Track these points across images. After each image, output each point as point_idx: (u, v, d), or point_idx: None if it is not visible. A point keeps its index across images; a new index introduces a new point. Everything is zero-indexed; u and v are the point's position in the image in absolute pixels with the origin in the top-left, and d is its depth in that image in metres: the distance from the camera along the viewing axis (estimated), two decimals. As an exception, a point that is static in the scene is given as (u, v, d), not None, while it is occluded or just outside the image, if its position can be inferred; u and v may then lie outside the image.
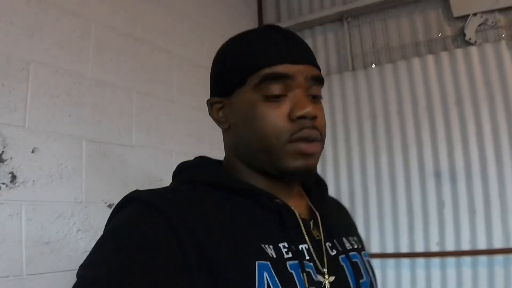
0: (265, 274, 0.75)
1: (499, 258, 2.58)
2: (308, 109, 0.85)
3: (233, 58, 0.93)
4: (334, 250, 0.91)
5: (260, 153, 0.88)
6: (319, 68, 0.95)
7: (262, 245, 0.79)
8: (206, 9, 2.84)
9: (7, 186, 1.61)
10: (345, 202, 2.93)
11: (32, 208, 1.67)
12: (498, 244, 2.58)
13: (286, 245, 0.83)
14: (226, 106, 0.94)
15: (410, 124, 2.91)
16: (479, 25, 2.90)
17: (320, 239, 0.90)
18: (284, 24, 3.41)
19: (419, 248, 2.75)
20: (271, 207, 0.87)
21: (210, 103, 0.98)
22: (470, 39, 2.88)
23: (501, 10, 2.88)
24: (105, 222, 1.55)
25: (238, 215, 0.84)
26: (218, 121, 0.97)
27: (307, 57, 0.92)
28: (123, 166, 2.02)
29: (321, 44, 3.37)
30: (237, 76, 0.90)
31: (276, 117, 0.86)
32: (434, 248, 2.71)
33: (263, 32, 0.94)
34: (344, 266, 0.90)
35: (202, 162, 0.99)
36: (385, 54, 3.14)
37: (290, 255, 0.81)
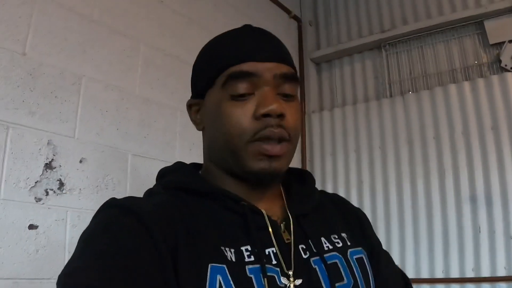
0: (219, 277, 0.73)
1: None
2: (273, 107, 0.81)
3: (204, 60, 0.93)
4: (307, 252, 0.85)
5: (226, 154, 0.86)
6: (293, 66, 0.91)
7: (222, 248, 0.77)
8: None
9: (54, 192, 1.64)
10: (381, 226, 2.90)
11: (77, 215, 1.70)
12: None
13: (249, 249, 0.79)
14: (202, 108, 0.93)
15: (446, 149, 2.86)
16: None
17: (290, 242, 0.84)
18: (323, 52, 3.47)
19: (454, 274, 2.66)
20: (237, 209, 0.84)
21: (188, 105, 0.98)
22: (506, 65, 2.83)
23: None
24: None
25: (203, 218, 0.82)
26: (195, 122, 0.97)
27: (276, 54, 0.88)
28: (165, 181, 2.04)
29: (359, 71, 3.36)
30: (207, 77, 0.89)
31: (240, 115, 0.83)
32: (469, 273, 2.63)
33: (234, 32, 0.93)
34: (317, 269, 0.84)
35: (177, 167, 0.98)
36: (422, 81, 3.11)
37: (252, 258, 0.78)
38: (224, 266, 0.74)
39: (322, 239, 0.90)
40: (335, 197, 1.10)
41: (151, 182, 1.91)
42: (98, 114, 1.83)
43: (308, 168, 3.20)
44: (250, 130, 0.82)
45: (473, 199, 2.70)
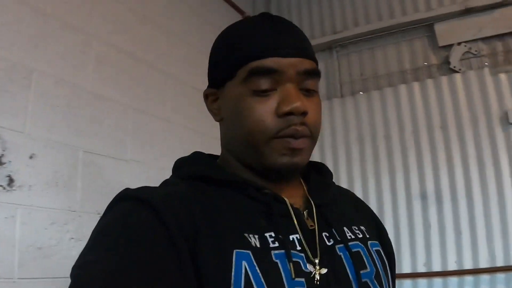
0: (244, 263, 0.73)
1: (485, 277, 2.62)
2: (296, 104, 0.81)
3: (223, 50, 0.91)
4: (331, 239, 0.86)
5: (246, 148, 0.86)
6: (315, 60, 0.90)
7: (245, 234, 0.77)
8: (202, 35, 2.92)
9: (4, 188, 1.63)
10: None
11: (28, 212, 1.69)
12: (483, 264, 2.63)
13: (273, 235, 0.80)
14: (220, 98, 0.92)
15: (396, 148, 3.00)
16: (463, 53, 3.02)
17: (314, 229, 0.85)
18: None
19: (406, 269, 2.78)
20: (260, 198, 0.85)
21: (205, 94, 0.96)
22: (454, 67, 3.00)
23: (484, 39, 3.03)
24: None
25: (224, 206, 0.82)
26: (212, 113, 0.96)
27: (299, 49, 0.86)
28: (117, 179, 2.06)
29: (311, 72, 3.44)
30: (226, 69, 0.88)
31: (262, 112, 0.83)
32: (421, 268, 2.75)
33: (254, 22, 0.90)
34: (342, 256, 0.85)
35: (195, 157, 0.98)
36: (373, 82, 3.25)
37: (276, 244, 0.78)
38: (249, 252, 0.75)
39: (344, 228, 0.91)
40: (350, 192, 1.13)
41: (102, 179, 1.94)
42: (49, 110, 1.83)
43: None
44: (274, 127, 0.82)
45: (423, 196, 2.83)
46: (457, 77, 2.95)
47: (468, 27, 3.05)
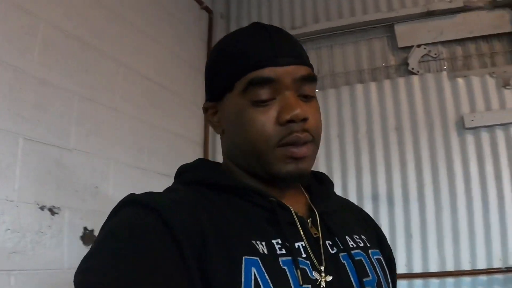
0: (253, 270, 0.76)
1: (435, 281, 2.69)
2: (297, 112, 0.85)
3: (220, 64, 0.95)
4: (334, 248, 0.90)
5: (251, 158, 0.90)
6: (310, 65, 0.94)
7: (253, 241, 0.80)
8: (156, 23, 2.90)
9: None
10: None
11: (-39, 201, 1.64)
12: (433, 267, 2.70)
13: (280, 242, 0.83)
14: (220, 111, 0.96)
15: (350, 148, 3.03)
16: (422, 56, 3.08)
17: (318, 237, 0.89)
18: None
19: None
20: (265, 205, 0.88)
21: (204, 108, 1.00)
22: (413, 68, 3.05)
23: (443, 42, 3.10)
24: (35, 223, 1.57)
25: (230, 213, 0.85)
26: (213, 125, 1.00)
27: (295, 56, 0.91)
28: (59, 169, 2.01)
29: (266, 67, 3.45)
30: (224, 81, 0.92)
31: (264, 122, 0.86)
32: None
33: (248, 33, 0.94)
34: (346, 264, 0.88)
35: (199, 164, 1.01)
36: (330, 80, 3.27)
37: (283, 251, 0.81)
38: (257, 258, 0.78)
39: (346, 237, 0.94)
40: (350, 202, 1.17)
41: (43, 168, 1.91)
42: (-13, 92, 1.78)
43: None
44: (276, 136, 0.86)
45: (375, 197, 2.88)
46: (415, 79, 3.01)
47: (428, 30, 3.11)
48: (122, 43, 2.56)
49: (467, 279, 2.66)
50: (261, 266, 0.77)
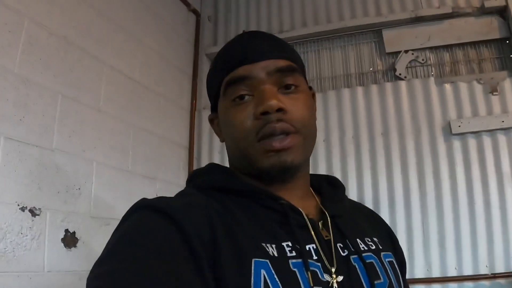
0: (263, 272, 0.76)
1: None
2: (269, 103, 0.86)
3: (209, 74, 1.03)
4: (345, 250, 0.90)
5: (240, 157, 0.94)
6: (290, 59, 0.95)
7: (263, 244, 0.81)
8: (143, 23, 2.90)
9: None
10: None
11: None
12: (420, 274, 2.71)
13: (290, 244, 0.84)
14: (217, 121, 1.02)
15: (336, 152, 3.04)
16: (410, 61, 3.12)
17: (330, 239, 0.90)
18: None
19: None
20: (276, 207, 0.89)
21: (210, 120, 1.07)
22: (400, 74, 3.08)
23: (431, 48, 3.14)
24: (16, 224, 1.55)
25: (241, 215, 0.86)
26: (218, 135, 1.05)
27: (267, 52, 0.93)
28: (40, 170, 1.99)
29: (254, 71, 3.47)
30: (213, 90, 0.99)
31: (242, 118, 0.90)
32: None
33: (231, 41, 1.00)
34: (357, 267, 0.88)
35: (211, 168, 1.03)
36: (316, 84, 3.29)
37: (294, 253, 0.82)
38: (267, 261, 0.78)
39: (358, 240, 0.95)
40: (361, 205, 1.19)
41: (24, 168, 1.89)
42: (-32, 90, 1.76)
43: (195, 166, 3.25)
44: (253, 130, 0.88)
45: (361, 202, 2.87)
46: (402, 84, 3.03)
47: (416, 36, 3.15)
48: (107, 43, 2.55)
49: (453, 285, 2.67)
50: (271, 268, 0.78)
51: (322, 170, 3.02)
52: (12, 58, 1.94)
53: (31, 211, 1.91)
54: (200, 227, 0.78)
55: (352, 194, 2.93)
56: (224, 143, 1.03)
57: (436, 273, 2.70)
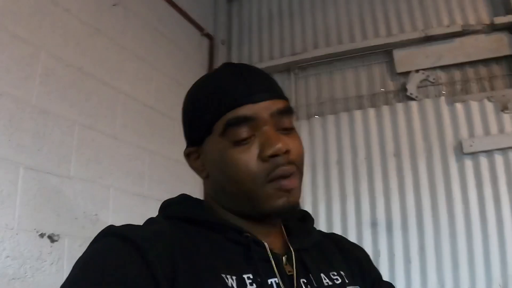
0: None
1: None
2: (278, 146, 0.86)
3: (197, 109, 0.96)
4: (308, 286, 0.90)
5: (239, 199, 0.91)
6: (285, 98, 0.96)
7: (223, 275, 0.81)
8: (156, 50, 2.96)
9: None
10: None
11: (-37, 231, 1.68)
12: None
13: (251, 277, 0.84)
14: (202, 155, 0.97)
15: (349, 174, 3.07)
16: (421, 81, 3.13)
17: (292, 275, 0.89)
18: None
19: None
20: (241, 240, 0.89)
21: (186, 154, 1.01)
22: (411, 94, 3.09)
23: (442, 67, 3.14)
24: (35, 251, 1.59)
25: (204, 247, 0.86)
26: (197, 170, 1.00)
27: (269, 91, 0.92)
28: (58, 197, 2.06)
29: (267, 94, 3.50)
30: (203, 125, 0.93)
31: (247, 160, 0.87)
32: (370, 297, 2.80)
33: (221, 74, 0.96)
34: None
35: (182, 199, 1.02)
36: (329, 106, 3.32)
37: (254, 286, 0.83)
38: None
39: (322, 274, 0.95)
40: (333, 236, 1.17)
41: (42, 196, 1.96)
42: (-11, 123, 1.83)
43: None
44: (262, 172, 0.87)
45: (374, 224, 2.91)
46: (413, 104, 3.05)
47: (427, 55, 3.16)
48: (122, 71, 2.61)
49: None
50: None
51: (335, 192, 3.05)
52: (30, 90, 2.01)
53: (49, 237, 1.97)
54: (163, 256, 0.78)
55: (365, 215, 2.95)
56: (203, 179, 1.01)
57: None
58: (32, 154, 1.98)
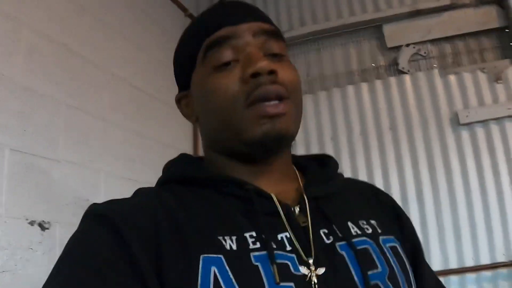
0: (213, 269, 0.66)
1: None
2: (261, 63, 0.74)
3: (180, 46, 0.90)
4: (330, 237, 0.77)
5: (222, 132, 0.80)
6: (272, 24, 0.85)
7: (220, 237, 0.71)
8: (141, 31, 2.82)
9: None
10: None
11: None
12: (436, 266, 2.66)
13: (255, 235, 0.72)
14: (190, 97, 0.88)
15: (344, 150, 2.99)
16: (412, 55, 3.08)
17: (307, 226, 0.76)
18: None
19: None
20: (240, 194, 0.78)
21: (177, 100, 0.93)
22: (403, 68, 3.05)
23: (432, 41, 3.11)
24: (25, 241, 1.52)
25: (199, 209, 0.76)
26: (187, 116, 0.92)
27: (252, 14, 0.83)
28: (47, 181, 1.90)
29: (254, 72, 3.43)
30: (187, 61, 0.85)
31: (227, 84, 0.77)
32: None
33: (205, 10, 0.89)
34: (345, 255, 0.75)
35: (179, 159, 0.92)
36: (319, 83, 3.22)
37: (258, 245, 0.71)
38: (221, 256, 0.68)
39: (349, 223, 0.81)
40: (362, 183, 1.02)
41: (30, 181, 1.79)
42: (-30, 102, 1.68)
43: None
44: (241, 94, 0.76)
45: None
46: (406, 78, 3.01)
47: (416, 29, 3.12)
48: (108, 51, 2.46)
49: (471, 275, 2.64)
50: (225, 264, 0.67)
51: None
52: (14, 67, 1.84)
53: (40, 225, 1.82)
54: (143, 230, 0.70)
55: (364, 190, 2.87)
56: (198, 124, 0.91)
57: (453, 265, 2.67)
58: (18, 135, 1.82)
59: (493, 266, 2.60)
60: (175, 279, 0.66)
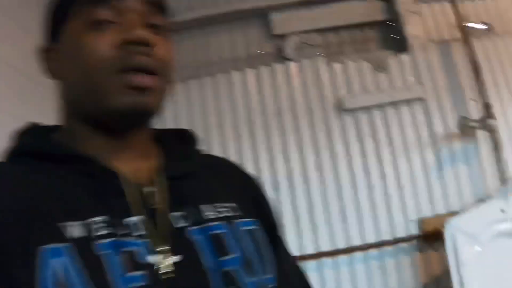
0: (53, 262, 0.59)
1: (328, 261, 2.71)
2: (140, 33, 0.70)
3: None
4: (183, 221, 0.71)
5: (86, 95, 0.72)
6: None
7: (62, 224, 0.63)
8: (22, 7, 2.62)
9: None
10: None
11: None
12: (325, 247, 2.72)
13: (101, 219, 0.65)
14: (57, 52, 0.77)
15: (230, 137, 2.94)
16: (298, 43, 3.09)
17: (156, 208, 0.71)
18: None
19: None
20: (87, 171, 0.70)
21: (42, 51, 0.80)
22: (289, 56, 3.06)
23: (318, 30, 3.14)
24: None
25: (44, 190, 0.67)
26: (51, 72, 0.79)
27: None
28: None
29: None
30: (59, 10, 0.76)
31: (100, 44, 0.70)
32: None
33: None
34: (196, 240, 0.70)
35: (25, 129, 0.79)
36: (205, 69, 3.15)
37: (104, 232, 0.64)
38: (61, 246, 0.60)
39: (202, 206, 0.75)
40: (224, 161, 0.95)
41: None
42: None
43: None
44: (113, 59, 0.69)
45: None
46: (292, 65, 3.01)
47: (303, 18, 3.13)
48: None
49: (359, 254, 2.71)
50: (70, 254, 0.60)
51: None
52: None
53: None
54: None
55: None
56: (58, 84, 0.80)
57: (341, 245, 2.73)
58: None
59: (379, 244, 2.70)
60: (17, 275, 0.59)
